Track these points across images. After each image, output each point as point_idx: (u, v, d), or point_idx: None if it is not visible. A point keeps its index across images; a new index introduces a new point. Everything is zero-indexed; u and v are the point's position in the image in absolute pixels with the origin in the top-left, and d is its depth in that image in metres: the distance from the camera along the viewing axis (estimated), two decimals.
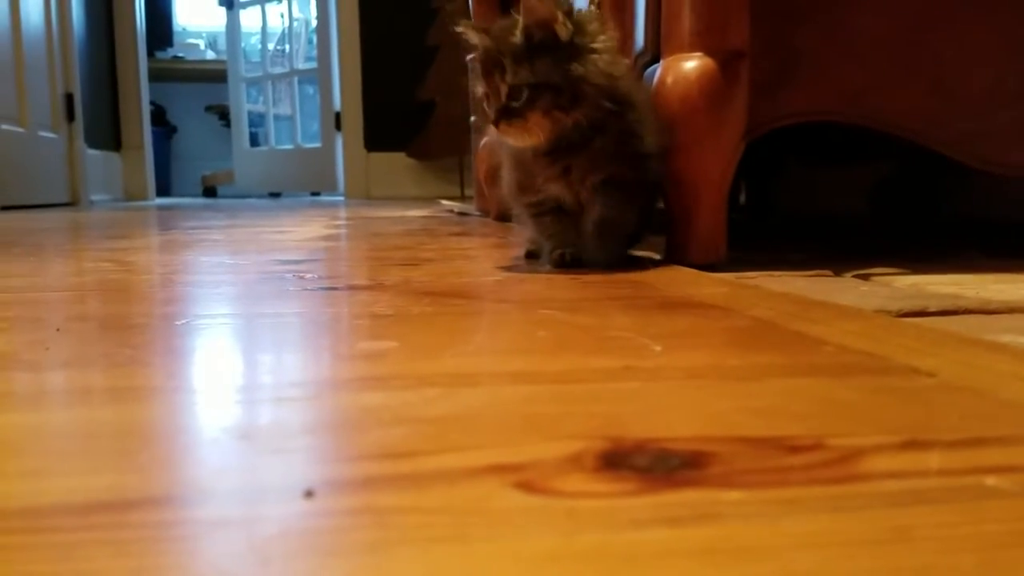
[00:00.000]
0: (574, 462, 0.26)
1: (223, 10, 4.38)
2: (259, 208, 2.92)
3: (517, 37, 0.76)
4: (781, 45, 0.91)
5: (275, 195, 4.48)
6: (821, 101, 0.92)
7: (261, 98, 4.43)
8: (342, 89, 4.00)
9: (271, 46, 4.48)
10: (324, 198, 4.30)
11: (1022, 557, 0.20)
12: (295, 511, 0.23)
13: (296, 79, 4.29)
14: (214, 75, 4.71)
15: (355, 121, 4.03)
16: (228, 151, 4.50)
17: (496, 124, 0.77)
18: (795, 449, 0.28)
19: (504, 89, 0.76)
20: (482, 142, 2.15)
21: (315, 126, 4.20)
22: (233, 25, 4.40)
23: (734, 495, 0.24)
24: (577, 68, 0.76)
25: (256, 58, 4.52)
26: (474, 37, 0.79)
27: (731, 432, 0.30)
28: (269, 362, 0.45)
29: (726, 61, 0.86)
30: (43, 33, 3.19)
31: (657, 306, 0.60)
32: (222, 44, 4.82)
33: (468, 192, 3.73)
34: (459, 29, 0.80)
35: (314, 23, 4.17)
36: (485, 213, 2.10)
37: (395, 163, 4.04)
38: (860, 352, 0.44)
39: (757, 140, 0.89)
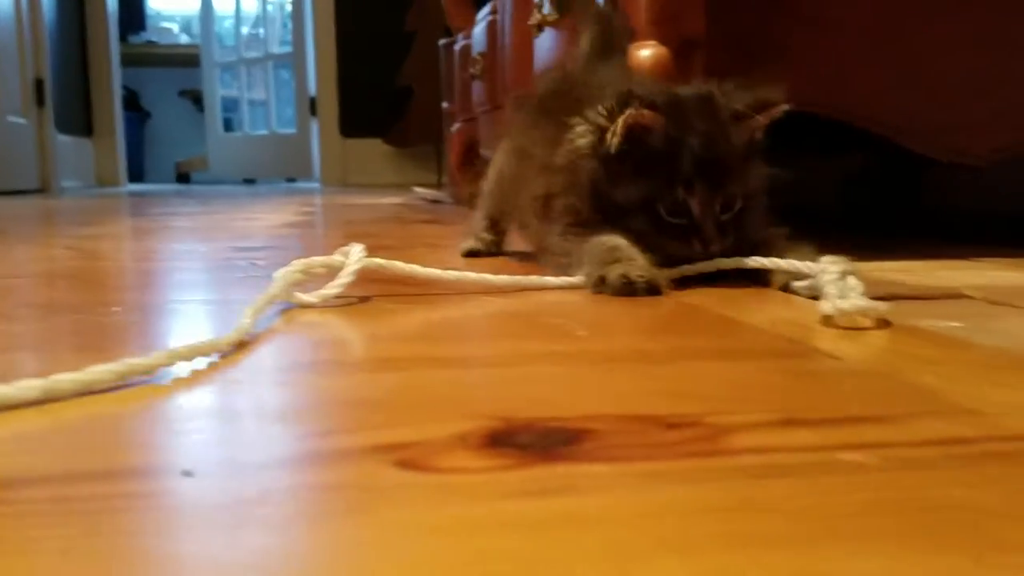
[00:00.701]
0: (460, 441, 0.27)
1: None
2: (232, 195, 2.91)
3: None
4: (756, 35, 0.92)
5: (250, 181, 4.46)
6: (794, 92, 0.93)
7: (235, 83, 4.40)
8: (317, 74, 3.98)
9: (245, 30, 4.44)
10: (299, 185, 4.28)
11: (863, 525, 0.21)
12: (181, 487, 0.24)
13: (271, 64, 4.26)
14: (188, 59, 4.67)
15: (330, 107, 4.01)
16: (202, 137, 4.47)
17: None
18: (673, 426, 0.29)
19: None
20: (453, 128, 2.16)
21: (290, 111, 4.18)
22: (207, 9, 4.36)
23: (602, 468, 0.25)
24: None
25: (230, 42, 4.48)
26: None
27: (619, 411, 0.31)
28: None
29: (680, 50, 0.87)
30: (13, 17, 3.15)
31: (592, 294, 0.62)
32: (196, 28, 4.78)
33: (446, 179, 3.73)
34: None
35: (289, 7, 4.14)
36: (458, 201, 2.11)
37: (372, 150, 4.03)
38: (778, 336, 0.45)
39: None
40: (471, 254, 0.86)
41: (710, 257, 0.61)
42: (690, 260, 0.62)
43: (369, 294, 0.58)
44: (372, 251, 0.59)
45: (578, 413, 0.31)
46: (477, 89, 1.78)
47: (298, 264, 0.57)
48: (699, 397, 0.33)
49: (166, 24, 5.21)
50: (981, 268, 0.77)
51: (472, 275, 0.62)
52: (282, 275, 0.55)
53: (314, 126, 4.04)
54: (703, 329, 0.49)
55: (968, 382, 0.35)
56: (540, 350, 0.42)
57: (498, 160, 0.88)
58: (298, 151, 4.13)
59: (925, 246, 0.92)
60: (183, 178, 4.73)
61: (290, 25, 4.12)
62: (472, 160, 2.04)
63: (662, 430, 0.29)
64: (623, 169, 0.62)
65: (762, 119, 0.63)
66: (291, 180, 4.46)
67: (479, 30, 1.76)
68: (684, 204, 0.60)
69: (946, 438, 0.28)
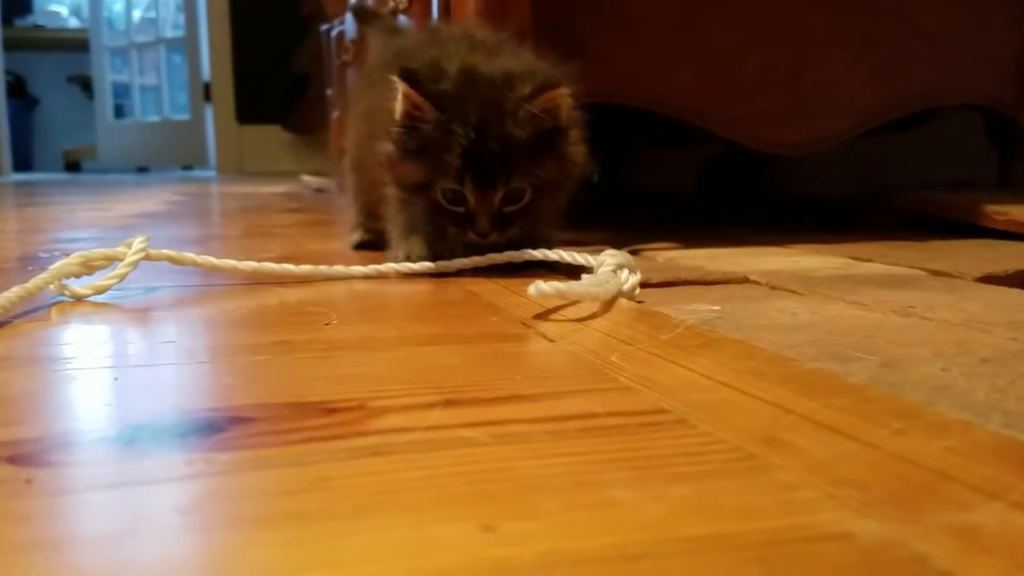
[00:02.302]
0: (100, 438, 0.28)
1: None
2: (112, 183, 2.83)
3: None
4: (565, 29, 0.94)
5: (143, 170, 4.33)
6: (603, 84, 0.96)
7: (126, 68, 4.27)
8: (212, 59, 3.88)
9: (138, 13, 4.30)
10: (194, 173, 4.18)
11: (404, 499, 0.23)
12: None
13: (163, 48, 4.14)
14: (77, 44, 4.50)
15: (225, 92, 3.92)
16: (93, 124, 4.32)
17: None
18: (332, 411, 0.31)
19: None
20: (333, 115, 2.15)
21: (183, 97, 4.07)
22: None
23: (228, 455, 0.26)
24: None
25: (121, 26, 4.33)
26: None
27: (287, 398, 0.32)
28: None
29: None
30: None
31: (387, 283, 0.63)
32: (86, 11, 4.61)
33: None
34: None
35: None
36: (342, 189, 2.10)
37: (270, 136, 3.96)
38: (519, 321, 0.47)
39: (607, 121, 0.92)
40: (361, 246, 0.82)
41: (488, 247, 0.62)
42: (478, 247, 0.63)
43: (160, 285, 0.58)
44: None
45: (244, 402, 0.32)
46: (351, 76, 1.77)
47: (76, 256, 0.57)
48: (380, 380, 0.35)
49: (54, 7, 5.00)
50: (789, 254, 0.81)
51: (272, 266, 0.62)
52: (57, 266, 0.55)
53: (209, 112, 3.95)
54: (456, 315, 0.51)
55: (647, 362, 0.37)
56: (268, 341, 0.43)
57: (350, 135, 0.86)
58: (192, 138, 4.03)
59: (755, 232, 0.96)
60: (72, 167, 4.56)
61: (184, 7, 4.01)
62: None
63: (318, 415, 0.30)
64: (406, 147, 0.62)
65: (540, 104, 0.61)
66: (187, 168, 4.35)
67: (351, 16, 1.75)
68: (461, 193, 0.61)
69: (573, 414, 0.30)
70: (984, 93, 1.00)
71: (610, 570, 0.19)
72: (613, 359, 0.38)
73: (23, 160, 4.42)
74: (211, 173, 3.97)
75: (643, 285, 0.65)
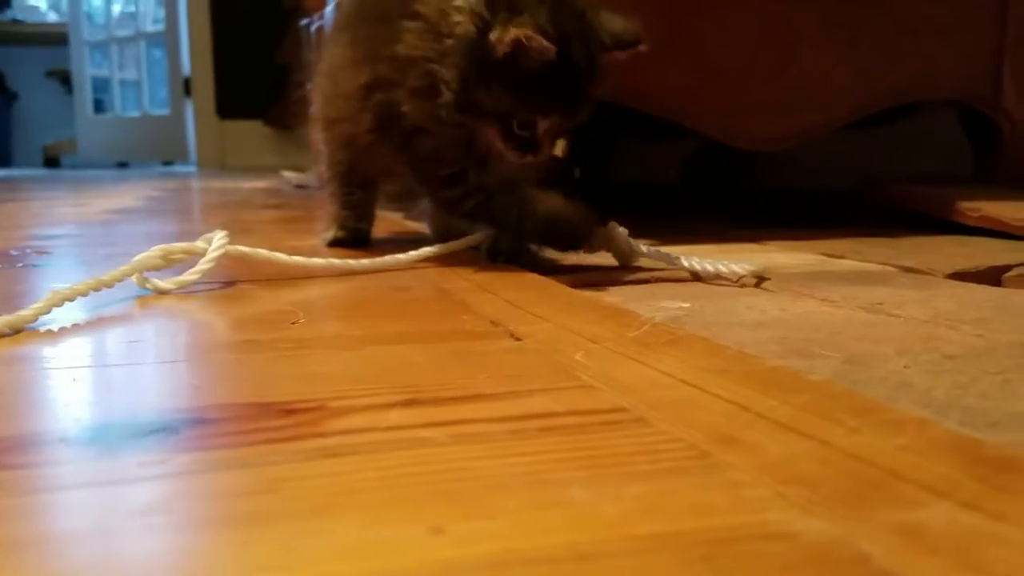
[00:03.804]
0: (54, 439, 0.28)
1: None
2: (91, 179, 2.80)
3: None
4: None
5: (123, 165, 4.30)
6: None
7: (106, 63, 4.23)
8: (192, 53, 3.85)
9: (117, 8, 4.27)
10: (175, 168, 4.16)
11: (358, 499, 0.23)
12: None
13: (143, 42, 4.11)
14: (57, 38, 4.46)
15: (206, 87, 3.89)
16: (72, 118, 4.29)
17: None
18: (292, 411, 0.31)
19: None
20: (312, 109, 2.14)
21: (164, 92, 4.05)
22: None
23: (183, 457, 0.26)
24: None
25: (101, 20, 4.30)
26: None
27: (250, 399, 0.32)
28: None
29: None
30: None
31: (356, 278, 0.63)
32: (65, 5, 4.57)
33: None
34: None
35: None
36: (322, 184, 2.09)
37: (252, 132, 3.94)
38: (488, 320, 0.47)
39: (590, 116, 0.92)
40: (336, 243, 0.80)
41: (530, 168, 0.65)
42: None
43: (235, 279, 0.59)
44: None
45: (207, 403, 0.32)
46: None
47: (157, 250, 0.57)
48: (343, 380, 0.35)
49: (33, 1, 4.96)
50: (765, 251, 0.81)
51: (336, 262, 0.64)
52: (139, 259, 0.55)
53: (189, 107, 3.93)
54: (427, 313, 0.51)
55: (612, 360, 0.37)
56: (233, 340, 0.43)
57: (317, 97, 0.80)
58: (173, 133, 4.00)
59: (735, 227, 0.97)
60: (52, 162, 4.52)
61: (164, 1, 3.98)
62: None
63: (279, 416, 0.30)
64: (494, 74, 0.60)
65: (623, 55, 0.64)
66: (168, 163, 4.32)
67: (329, 10, 1.74)
68: (534, 122, 0.63)
69: (533, 413, 0.30)
70: (963, 89, 1.00)
71: (562, 570, 0.19)
72: (578, 357, 0.38)
73: (2, 156, 4.38)
74: (192, 168, 3.94)
75: (615, 283, 0.65)
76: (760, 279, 0.62)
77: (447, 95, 0.62)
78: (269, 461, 0.26)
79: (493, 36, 0.59)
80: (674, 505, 0.22)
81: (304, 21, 2.34)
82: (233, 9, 3.84)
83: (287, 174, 2.55)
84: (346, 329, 0.46)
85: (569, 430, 0.29)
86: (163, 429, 0.28)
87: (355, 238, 0.80)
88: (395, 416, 0.30)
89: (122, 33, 4.17)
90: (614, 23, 0.64)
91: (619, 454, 0.26)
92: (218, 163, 3.94)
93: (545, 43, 0.58)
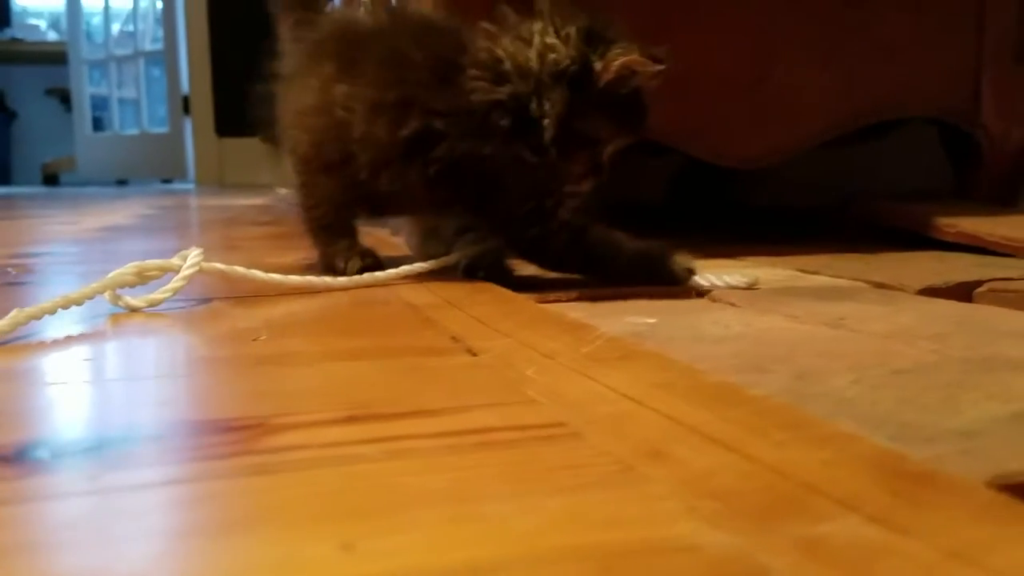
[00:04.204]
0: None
1: None
2: (89, 196, 2.82)
3: None
4: None
5: (122, 183, 4.32)
6: None
7: (105, 81, 4.26)
8: (190, 72, 3.88)
9: (116, 27, 4.30)
10: (175, 186, 4.17)
11: (336, 511, 0.23)
12: None
13: (142, 61, 4.13)
14: (56, 57, 4.49)
15: (205, 105, 3.91)
16: (71, 136, 4.31)
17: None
18: (232, 429, 0.31)
19: None
20: None
21: (162, 110, 4.07)
22: (74, 4, 4.21)
23: (116, 477, 0.26)
24: None
25: (100, 39, 4.33)
26: None
27: (195, 416, 0.32)
28: None
29: None
30: None
31: (329, 295, 0.63)
32: (65, 25, 4.60)
33: None
34: None
35: (161, 2, 4.02)
36: None
37: (250, 149, 3.94)
38: (450, 336, 0.47)
39: None
40: (364, 270, 0.70)
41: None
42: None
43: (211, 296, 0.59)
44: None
45: (147, 420, 0.32)
46: None
47: (131, 267, 0.57)
48: (290, 397, 0.35)
49: (33, 20, 4.99)
50: (741, 266, 0.81)
51: (313, 278, 0.64)
52: (112, 276, 0.56)
53: (188, 125, 3.95)
54: (390, 329, 0.51)
55: (561, 376, 0.38)
56: (191, 358, 0.43)
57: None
58: (172, 151, 4.02)
59: (715, 243, 0.97)
60: (51, 179, 4.54)
61: (162, 20, 4.01)
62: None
63: (217, 433, 0.30)
64: (591, 104, 0.64)
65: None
66: (167, 181, 4.34)
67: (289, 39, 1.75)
68: (605, 146, 0.67)
69: (472, 428, 0.30)
70: (942, 105, 1.01)
71: None
72: (529, 373, 0.38)
73: (1, 173, 4.40)
74: (190, 186, 3.96)
75: (589, 298, 0.65)
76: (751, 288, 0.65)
77: (548, 130, 0.63)
78: (196, 478, 0.26)
79: (599, 64, 0.63)
80: (587, 518, 0.23)
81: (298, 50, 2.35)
82: (231, 28, 3.87)
83: (281, 191, 2.57)
84: (306, 346, 0.46)
85: (504, 445, 0.29)
86: (98, 447, 0.29)
87: (376, 261, 0.73)
88: (333, 433, 0.30)
89: (121, 52, 4.20)
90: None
91: (546, 469, 0.26)
92: (217, 180, 3.95)
93: (653, 64, 0.63)
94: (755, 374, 0.40)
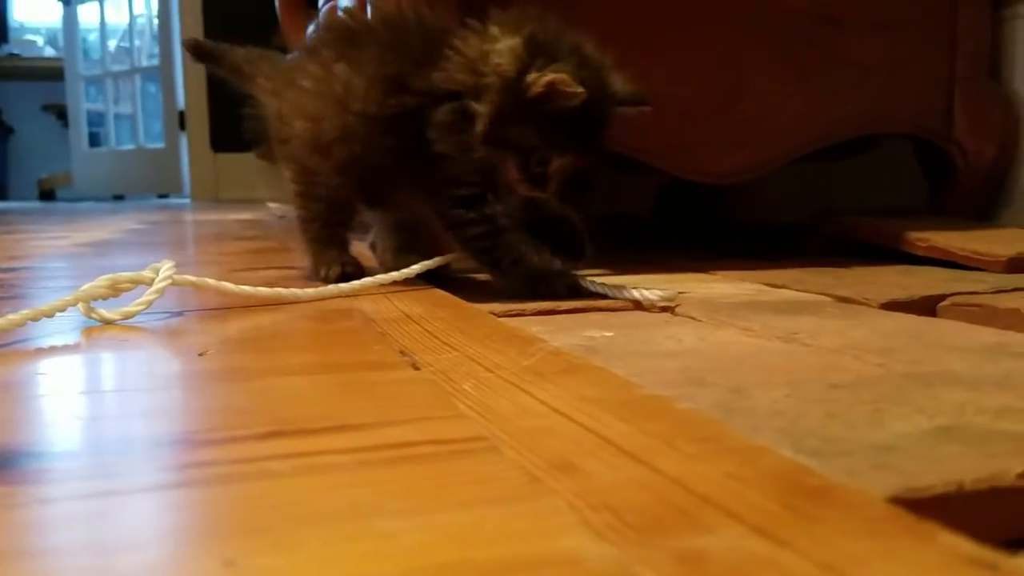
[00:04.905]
0: None
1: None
2: (83, 212, 2.82)
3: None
4: None
5: (119, 198, 4.33)
6: None
7: (101, 97, 4.28)
8: (186, 87, 3.90)
9: (114, 43, 4.33)
10: (171, 201, 4.19)
11: (230, 528, 0.23)
12: None
13: (138, 77, 4.16)
14: (53, 73, 4.52)
15: (200, 120, 3.93)
16: (68, 152, 4.33)
17: None
18: (153, 445, 0.31)
19: None
20: None
21: (158, 126, 4.09)
22: (70, 21, 4.23)
23: (21, 489, 0.26)
24: None
25: (98, 55, 4.35)
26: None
27: (116, 432, 0.32)
28: None
29: None
30: None
31: (292, 308, 0.63)
32: (62, 41, 4.63)
33: None
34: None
35: (157, 19, 4.05)
36: None
37: (246, 164, 3.94)
38: (398, 350, 0.47)
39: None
40: (343, 278, 0.73)
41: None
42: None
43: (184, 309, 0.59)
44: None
45: (68, 437, 0.32)
46: None
47: (104, 279, 0.58)
48: (219, 413, 0.35)
49: (30, 36, 5.03)
50: (711, 280, 0.82)
51: (283, 291, 0.64)
52: (85, 288, 0.56)
53: (184, 141, 3.96)
54: (340, 343, 0.51)
55: (498, 389, 0.38)
56: (137, 372, 0.43)
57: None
58: (168, 166, 4.04)
59: (690, 258, 0.97)
60: (47, 195, 4.55)
61: (159, 36, 4.03)
62: None
63: (135, 450, 0.31)
64: (524, 112, 0.66)
65: (632, 111, 0.70)
66: (163, 196, 4.35)
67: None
68: (550, 159, 0.67)
69: (390, 443, 0.30)
70: (915, 122, 1.01)
71: None
72: (466, 387, 0.38)
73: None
74: (186, 201, 3.97)
75: (551, 312, 0.65)
76: (669, 306, 0.65)
77: (478, 127, 0.66)
78: (99, 494, 0.26)
79: (530, 78, 0.65)
80: (478, 533, 0.23)
81: (291, 55, 2.37)
82: (227, 43, 3.88)
83: (272, 206, 2.57)
84: (251, 361, 0.46)
85: (418, 460, 0.29)
86: (6, 464, 0.29)
87: (358, 269, 0.76)
88: (249, 448, 0.30)
89: (117, 68, 4.23)
90: (624, 83, 0.70)
91: (453, 483, 0.26)
92: (212, 196, 3.96)
93: (577, 88, 0.63)
94: (693, 387, 0.40)
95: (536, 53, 0.65)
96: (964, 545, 0.21)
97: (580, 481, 0.26)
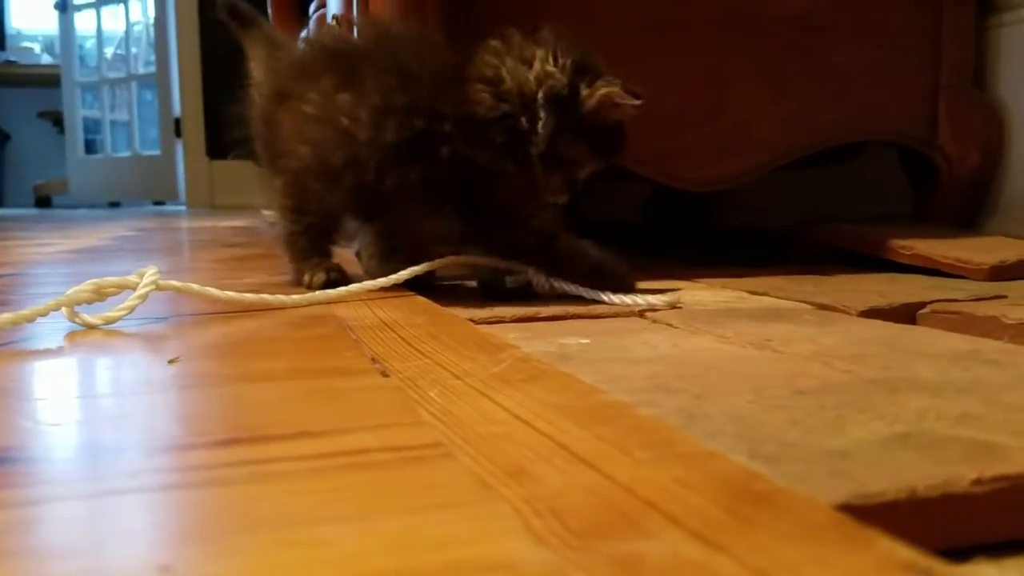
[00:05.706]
0: None
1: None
2: (77, 218, 2.82)
3: None
4: None
5: (115, 205, 4.33)
6: None
7: (98, 104, 4.29)
8: (182, 94, 3.91)
9: (111, 50, 4.34)
10: (166, 208, 4.19)
11: (172, 535, 0.23)
12: None
13: (135, 84, 4.17)
14: (49, 80, 4.53)
15: (196, 128, 3.94)
16: (64, 159, 4.33)
17: None
18: (108, 451, 0.31)
19: None
20: None
21: (154, 133, 4.09)
22: (67, 28, 4.24)
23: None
24: None
25: (94, 62, 4.36)
26: None
27: (74, 439, 0.32)
28: None
29: None
30: None
31: (271, 314, 0.63)
32: (59, 48, 4.64)
33: None
34: None
35: (153, 27, 4.06)
36: None
37: (241, 171, 3.96)
38: (369, 357, 0.47)
39: None
40: (328, 285, 0.74)
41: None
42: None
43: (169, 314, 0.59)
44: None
45: (28, 444, 0.32)
46: None
47: (89, 284, 0.58)
48: (180, 419, 0.35)
49: (27, 43, 5.03)
50: (693, 288, 0.82)
51: (269, 297, 0.65)
52: (70, 293, 0.56)
53: (179, 148, 3.97)
54: (313, 350, 0.51)
55: (463, 396, 0.38)
56: (108, 377, 0.43)
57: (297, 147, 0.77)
58: (163, 173, 4.04)
59: (676, 266, 0.97)
60: (43, 202, 4.55)
61: (155, 44, 4.04)
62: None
63: (91, 457, 0.31)
64: (574, 127, 0.69)
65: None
66: (159, 203, 4.36)
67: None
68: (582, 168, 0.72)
69: (347, 450, 0.30)
70: (899, 130, 1.02)
71: None
72: (432, 394, 0.38)
73: None
74: (182, 208, 3.97)
75: (531, 319, 0.66)
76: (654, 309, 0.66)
77: (539, 144, 0.69)
78: (41, 500, 0.26)
79: (584, 93, 0.69)
80: (420, 539, 0.23)
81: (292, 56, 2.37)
82: (223, 51, 3.89)
83: (266, 213, 2.58)
84: (220, 368, 0.46)
85: (371, 466, 0.29)
86: None
87: (342, 276, 0.77)
88: (204, 456, 0.30)
89: (114, 75, 4.24)
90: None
91: (403, 490, 0.26)
92: (208, 203, 3.97)
93: (633, 100, 0.68)
94: (659, 393, 0.40)
95: (582, 73, 0.69)
96: (901, 551, 0.21)
97: (529, 487, 0.26)
